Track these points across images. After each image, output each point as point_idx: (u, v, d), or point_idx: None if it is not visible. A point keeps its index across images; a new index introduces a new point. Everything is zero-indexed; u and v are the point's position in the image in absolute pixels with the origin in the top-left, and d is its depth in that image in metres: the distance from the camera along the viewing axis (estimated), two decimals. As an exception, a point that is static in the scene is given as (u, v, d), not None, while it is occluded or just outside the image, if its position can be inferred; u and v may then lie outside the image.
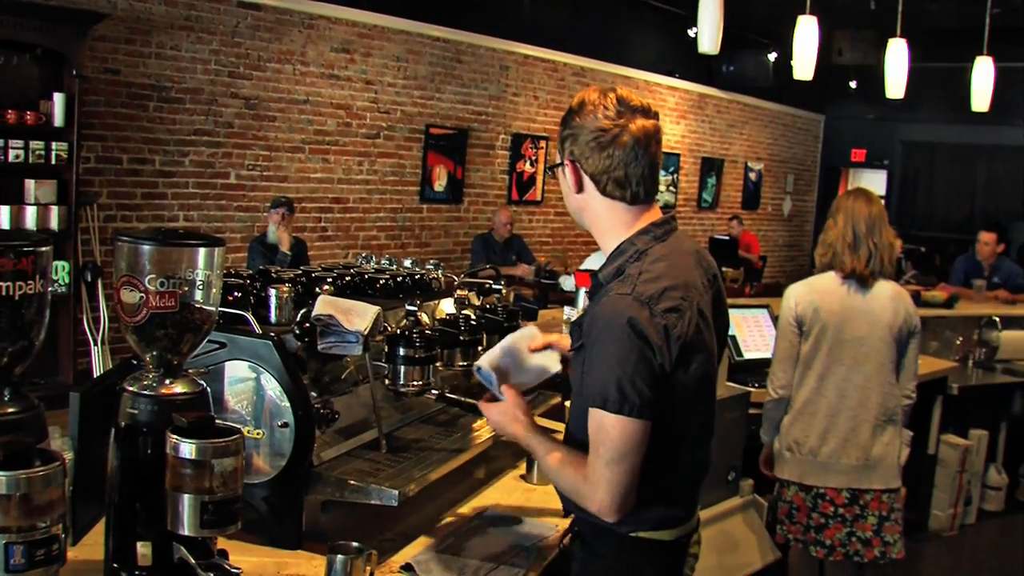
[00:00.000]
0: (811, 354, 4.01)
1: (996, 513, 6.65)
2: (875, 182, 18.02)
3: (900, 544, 4.06)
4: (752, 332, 5.27)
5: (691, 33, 8.91)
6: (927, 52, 10.98)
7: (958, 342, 6.92)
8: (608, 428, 2.02)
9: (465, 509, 2.74)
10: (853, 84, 15.52)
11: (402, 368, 2.52)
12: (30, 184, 6.47)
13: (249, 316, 2.38)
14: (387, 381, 2.54)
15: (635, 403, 2.00)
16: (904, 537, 4.13)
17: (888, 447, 4.02)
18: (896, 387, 4.06)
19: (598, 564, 2.23)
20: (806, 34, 7.02)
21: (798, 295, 4.05)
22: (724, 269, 12.66)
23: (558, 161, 2.22)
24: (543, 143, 11.70)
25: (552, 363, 2.39)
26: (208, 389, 1.96)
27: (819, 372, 4.01)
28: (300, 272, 2.83)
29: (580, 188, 2.18)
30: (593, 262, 8.75)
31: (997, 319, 6.87)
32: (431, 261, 3.33)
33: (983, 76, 8.27)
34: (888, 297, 4.03)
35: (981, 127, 14.35)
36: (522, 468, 3.07)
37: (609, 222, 2.20)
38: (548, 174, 2.49)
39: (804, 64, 7.08)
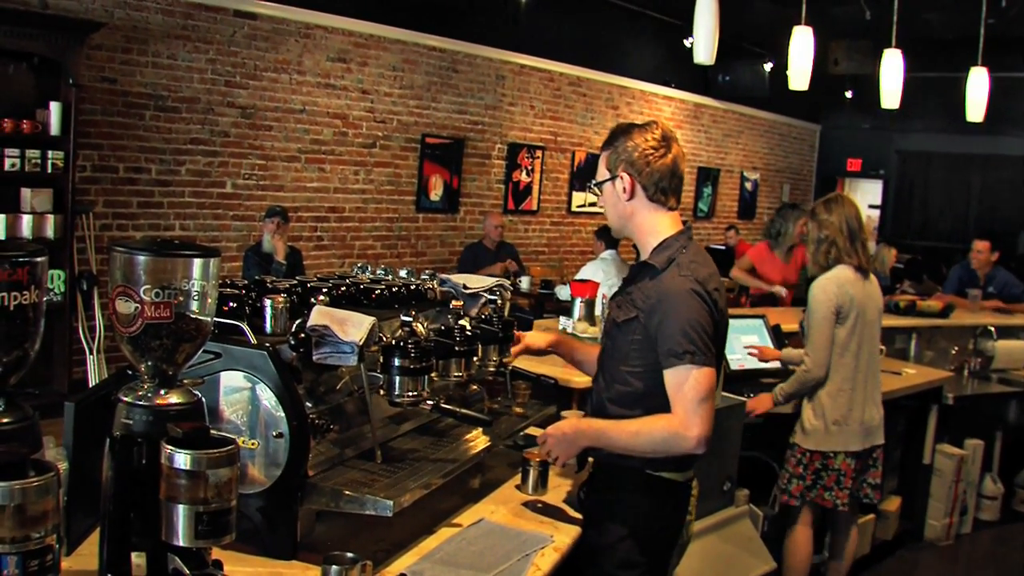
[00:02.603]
0: (848, 337, 4.51)
1: (992, 523, 6.65)
2: (871, 191, 18.03)
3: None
4: (749, 342, 5.26)
5: (687, 43, 8.90)
6: (922, 62, 10.97)
7: (953, 352, 6.93)
8: (695, 376, 2.55)
9: (461, 519, 2.74)
10: (848, 94, 15.52)
11: (397, 379, 2.51)
12: (26, 193, 6.48)
13: (244, 326, 2.38)
14: (382, 391, 2.54)
15: (710, 355, 2.59)
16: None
17: (882, 405, 4.72)
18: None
19: (624, 499, 2.75)
20: (801, 44, 7.02)
21: (835, 288, 4.50)
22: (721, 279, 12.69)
23: (607, 177, 2.79)
24: (539, 152, 11.72)
25: None
26: (203, 399, 1.95)
27: (855, 352, 4.54)
28: (295, 282, 2.83)
29: (632, 195, 2.75)
30: (588, 272, 8.78)
31: (992, 329, 6.88)
32: (427, 271, 3.33)
33: (978, 86, 8.29)
34: (876, 285, 4.69)
35: (976, 137, 14.37)
36: (517, 478, 3.07)
37: (652, 223, 2.77)
38: (594, 190, 2.73)
39: (800, 74, 7.08)
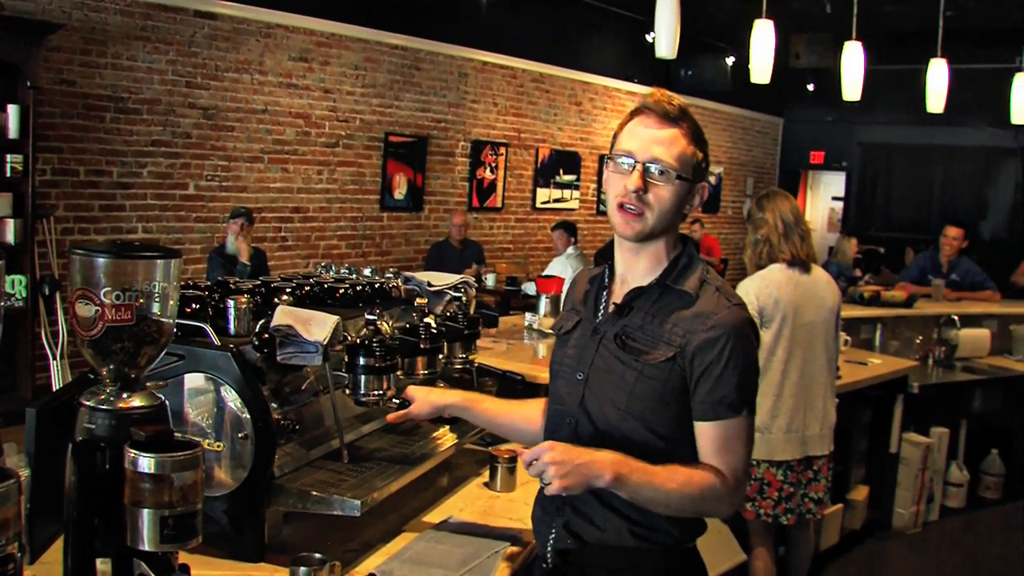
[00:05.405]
0: (774, 341, 4.28)
1: (958, 509, 6.73)
2: (834, 184, 18.17)
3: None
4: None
5: (648, 38, 8.93)
6: (883, 54, 11.06)
7: (918, 341, 7.00)
8: (747, 429, 2.12)
9: (429, 518, 2.73)
10: (810, 87, 15.63)
11: (362, 377, 2.50)
12: (-15, 197, 6.41)
13: (207, 328, 2.36)
14: (347, 391, 2.53)
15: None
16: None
17: (832, 415, 4.44)
18: (835, 362, 4.52)
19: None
20: (763, 38, 7.06)
21: (756, 289, 4.30)
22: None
23: (688, 176, 2.15)
24: (503, 149, 11.71)
25: None
26: (167, 402, 1.94)
27: (782, 357, 4.29)
28: (259, 283, 2.81)
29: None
30: (554, 268, 8.80)
31: (956, 318, 6.96)
32: (391, 269, 3.32)
33: (938, 78, 8.36)
34: (825, 282, 4.45)
35: (937, 128, 14.52)
36: (485, 476, 3.06)
37: (676, 237, 2.24)
38: (661, 179, 2.24)
39: (761, 68, 7.11)
